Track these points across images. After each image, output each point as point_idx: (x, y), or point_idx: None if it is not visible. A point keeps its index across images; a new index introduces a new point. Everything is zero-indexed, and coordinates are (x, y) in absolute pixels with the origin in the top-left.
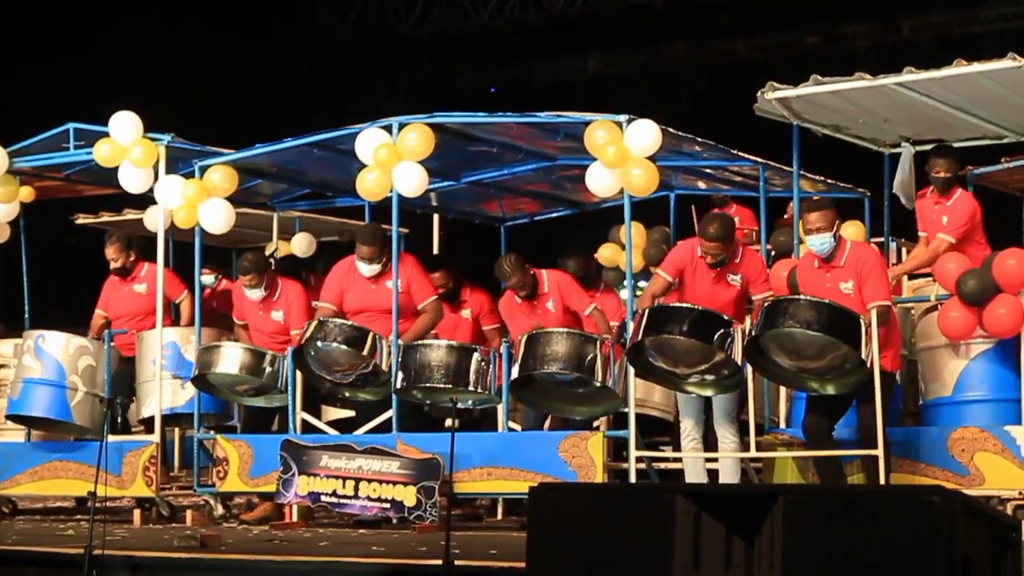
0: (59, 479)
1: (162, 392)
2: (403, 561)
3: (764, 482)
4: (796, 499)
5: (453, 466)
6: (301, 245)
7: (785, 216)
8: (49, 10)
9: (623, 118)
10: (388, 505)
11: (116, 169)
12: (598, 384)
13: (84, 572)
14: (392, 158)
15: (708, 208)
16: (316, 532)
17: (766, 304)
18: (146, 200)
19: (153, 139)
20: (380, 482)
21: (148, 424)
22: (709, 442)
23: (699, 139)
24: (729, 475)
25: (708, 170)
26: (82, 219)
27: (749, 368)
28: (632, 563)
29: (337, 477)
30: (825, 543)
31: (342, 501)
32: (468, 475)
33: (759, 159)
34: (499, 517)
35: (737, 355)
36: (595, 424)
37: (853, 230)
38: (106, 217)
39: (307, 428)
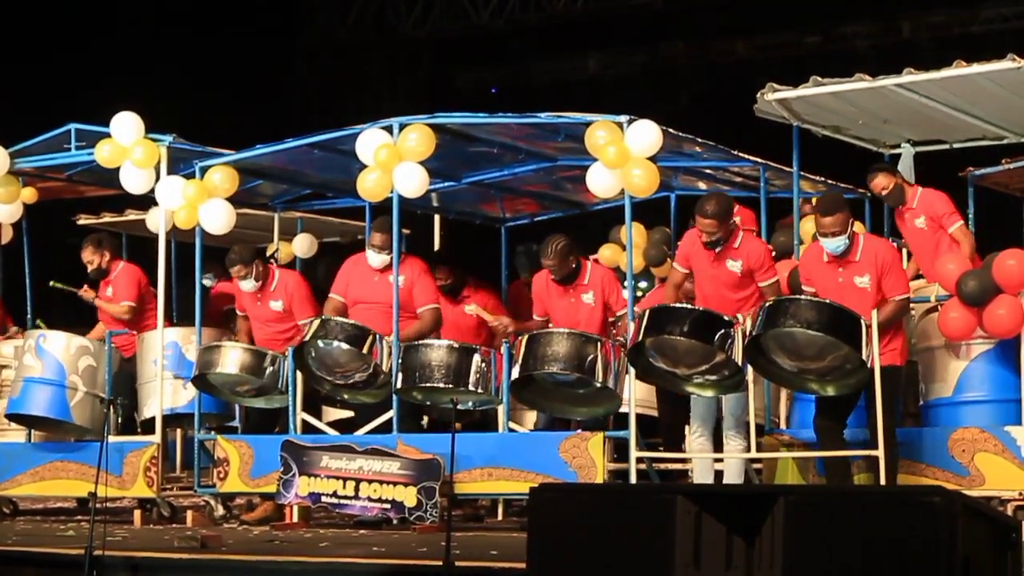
0: (60, 480)
1: (163, 392)
2: (403, 562)
3: (764, 483)
4: (796, 500)
5: (454, 467)
6: (302, 246)
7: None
8: (50, 10)
9: (624, 119)
10: (388, 506)
11: (117, 170)
12: (598, 385)
13: (85, 573)
14: (393, 158)
15: None
16: (316, 533)
17: (767, 304)
18: (147, 201)
19: (154, 140)
20: (380, 483)
21: (147, 425)
22: (716, 443)
23: (699, 140)
24: (733, 476)
25: (708, 171)
26: (84, 220)
27: (750, 369)
28: (632, 563)
29: (337, 478)
30: (825, 544)
31: (343, 502)
32: (469, 476)
33: (759, 160)
34: (499, 518)
35: (738, 355)
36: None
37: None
38: (108, 218)
39: (307, 429)
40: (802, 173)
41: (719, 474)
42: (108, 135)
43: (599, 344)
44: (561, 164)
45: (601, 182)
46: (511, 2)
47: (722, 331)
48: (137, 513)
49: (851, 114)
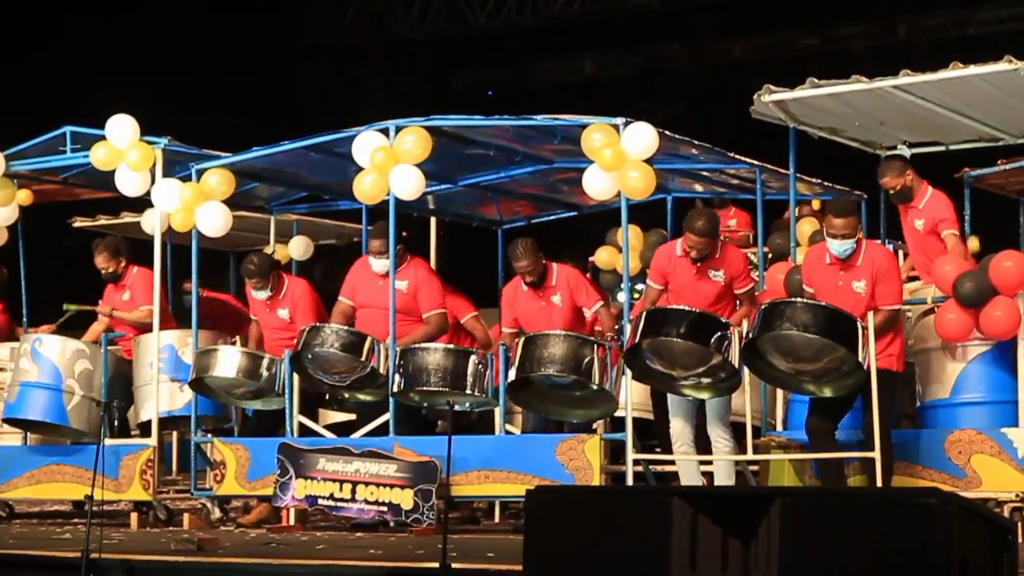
0: (56, 483)
1: (159, 395)
2: (400, 564)
3: (760, 484)
4: (792, 501)
5: (450, 469)
6: (298, 248)
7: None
8: (47, 12)
9: (620, 121)
10: (385, 508)
11: (113, 172)
12: (595, 387)
13: None
14: (389, 161)
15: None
16: (313, 535)
17: (763, 307)
18: (143, 203)
19: (150, 142)
20: (377, 485)
21: (143, 428)
22: (703, 444)
23: (696, 142)
24: (724, 477)
25: (705, 173)
26: (80, 222)
27: (746, 370)
28: (629, 565)
29: (334, 480)
30: (821, 545)
31: (339, 504)
32: (465, 478)
33: (756, 162)
34: (496, 520)
35: (734, 357)
36: (592, 427)
37: None
38: (103, 220)
39: (304, 431)
40: (798, 175)
41: (707, 475)
42: (103, 138)
43: (595, 346)
44: (557, 166)
45: (597, 184)
46: (508, 4)
47: (719, 333)
48: (133, 516)
49: (848, 116)
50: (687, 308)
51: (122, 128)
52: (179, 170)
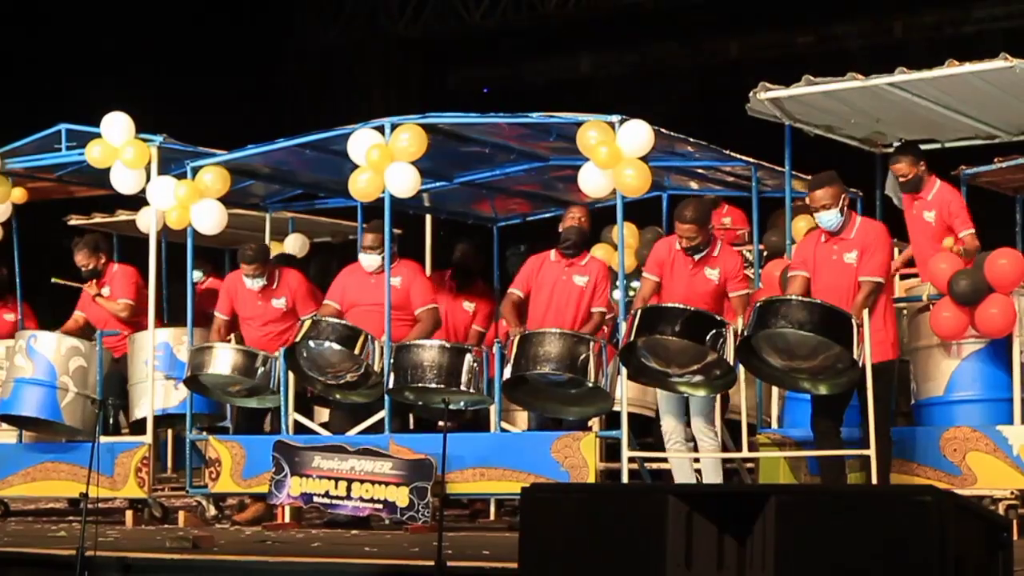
0: (51, 480)
1: (154, 393)
2: (395, 562)
3: (756, 482)
4: (788, 499)
5: (445, 467)
6: (294, 246)
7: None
8: (41, 11)
9: (615, 118)
10: (381, 506)
11: (108, 170)
12: (590, 385)
13: (76, 573)
14: (384, 159)
15: None
16: (308, 533)
17: (758, 304)
18: (138, 201)
19: (145, 140)
20: (372, 483)
21: (138, 426)
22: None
23: (691, 139)
24: (711, 475)
25: (700, 170)
26: (75, 220)
27: (741, 368)
28: (624, 563)
29: (329, 478)
30: (817, 543)
31: (334, 502)
32: (460, 476)
33: (751, 159)
34: (491, 518)
35: (729, 355)
36: (588, 424)
37: None
38: (99, 218)
39: (299, 429)
40: (794, 173)
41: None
42: (99, 135)
43: (591, 344)
44: (553, 164)
45: (593, 182)
46: (503, 2)
47: (714, 331)
48: (129, 514)
49: (843, 113)
50: (682, 306)
51: (117, 126)
52: (174, 168)
